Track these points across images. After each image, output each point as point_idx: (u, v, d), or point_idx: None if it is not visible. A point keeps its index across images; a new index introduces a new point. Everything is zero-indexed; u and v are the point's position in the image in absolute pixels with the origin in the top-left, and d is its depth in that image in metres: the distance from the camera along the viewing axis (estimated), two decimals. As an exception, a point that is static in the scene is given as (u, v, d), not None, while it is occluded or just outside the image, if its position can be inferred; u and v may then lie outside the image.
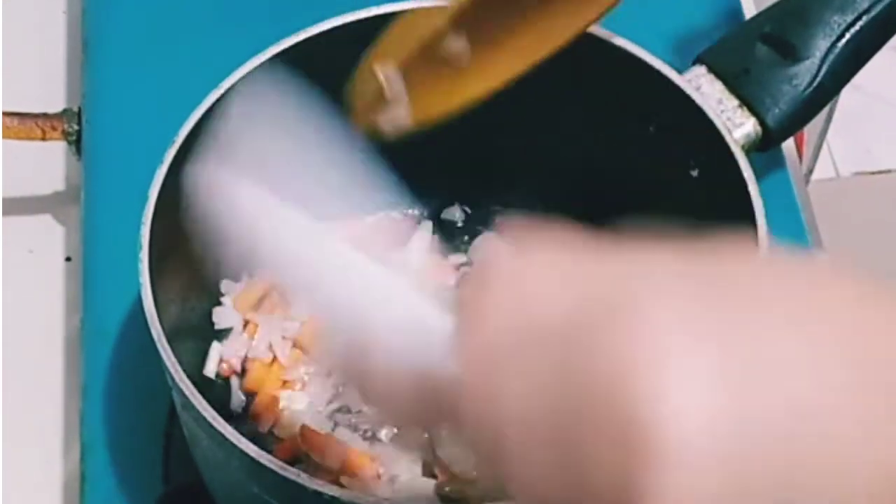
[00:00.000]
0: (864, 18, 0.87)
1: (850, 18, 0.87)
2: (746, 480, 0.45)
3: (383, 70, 0.73)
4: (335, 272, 0.61)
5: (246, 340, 0.89)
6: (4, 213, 1.01)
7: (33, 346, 0.96)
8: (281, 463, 0.70)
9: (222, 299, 0.90)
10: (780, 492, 0.45)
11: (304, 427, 0.85)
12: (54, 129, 0.99)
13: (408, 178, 0.92)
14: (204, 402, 0.72)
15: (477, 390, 0.49)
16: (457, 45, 0.73)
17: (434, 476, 0.83)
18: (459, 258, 0.94)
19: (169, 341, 0.73)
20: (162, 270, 0.76)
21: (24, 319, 0.96)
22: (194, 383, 0.73)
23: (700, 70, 0.86)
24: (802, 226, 0.98)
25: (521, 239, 0.54)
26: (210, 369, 0.88)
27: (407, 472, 0.84)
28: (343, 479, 0.83)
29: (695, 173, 0.84)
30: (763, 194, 0.78)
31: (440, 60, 0.74)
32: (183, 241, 0.81)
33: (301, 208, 0.62)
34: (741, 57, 0.87)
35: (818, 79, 0.87)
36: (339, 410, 0.88)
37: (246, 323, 0.90)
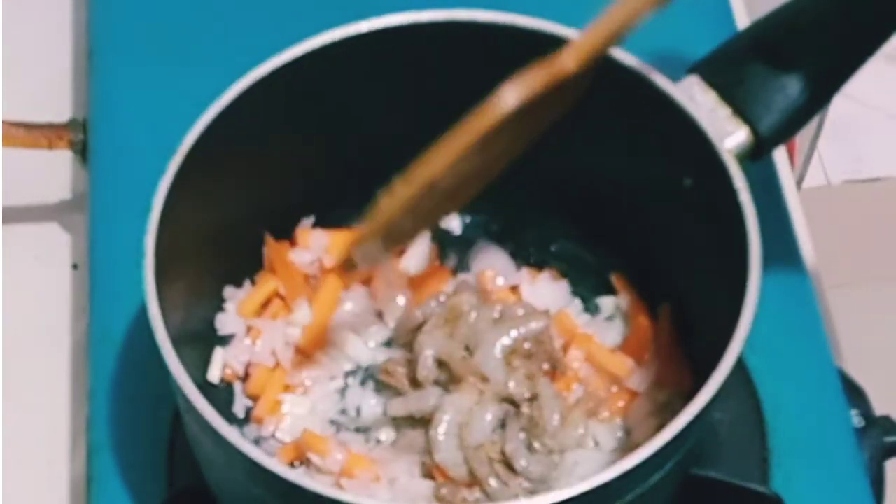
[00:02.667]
0: (855, 28, 0.87)
1: (840, 29, 0.87)
2: None
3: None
4: None
5: (249, 346, 0.90)
6: (11, 222, 1.01)
7: (40, 351, 0.96)
8: (283, 466, 0.71)
9: (225, 305, 0.91)
10: None
11: (305, 431, 0.86)
12: (60, 138, 1.00)
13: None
14: (207, 406, 0.73)
15: None
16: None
17: (432, 478, 0.84)
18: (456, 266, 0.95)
19: (173, 347, 0.74)
20: (166, 277, 0.77)
21: (31, 326, 0.97)
22: (198, 388, 0.73)
23: (693, 80, 0.86)
24: (793, 233, 0.98)
25: None
26: (214, 374, 0.90)
27: (406, 474, 0.85)
28: (343, 482, 0.84)
29: (688, 182, 0.84)
30: (755, 202, 0.79)
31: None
32: (187, 249, 0.82)
33: None
34: (734, 67, 0.87)
35: (809, 88, 0.87)
36: (340, 414, 0.89)
37: (249, 329, 0.91)
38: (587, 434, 0.87)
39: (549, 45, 0.82)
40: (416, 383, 0.87)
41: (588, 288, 0.94)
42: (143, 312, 0.75)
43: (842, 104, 1.06)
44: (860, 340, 1.09)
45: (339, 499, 0.69)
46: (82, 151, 1.00)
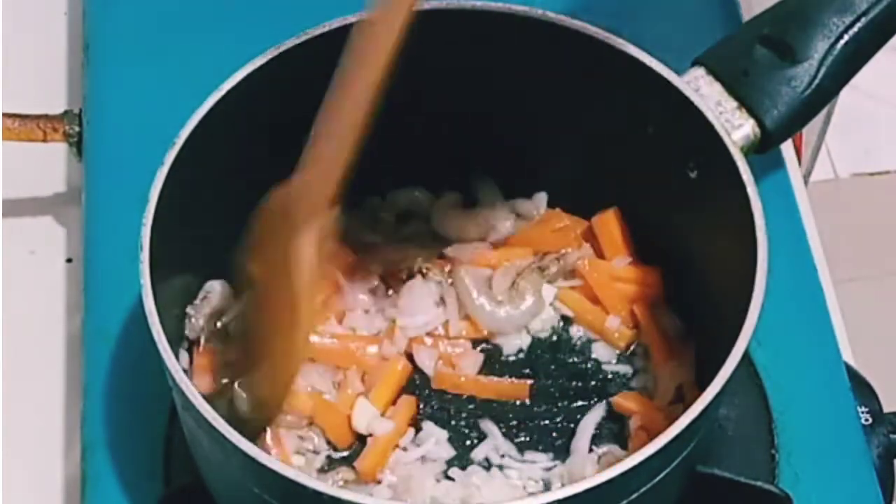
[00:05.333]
0: (863, 20, 0.87)
1: (848, 20, 0.87)
2: None
3: None
4: None
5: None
6: (6, 215, 1.01)
7: (34, 346, 0.96)
8: (281, 463, 0.71)
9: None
10: None
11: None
12: (55, 130, 0.99)
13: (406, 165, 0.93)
14: (204, 403, 0.72)
15: None
16: None
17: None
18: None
19: (169, 342, 0.73)
20: (163, 272, 0.76)
21: (25, 320, 0.96)
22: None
23: (699, 72, 0.86)
24: (801, 227, 0.98)
25: None
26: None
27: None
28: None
29: (693, 174, 0.84)
30: (762, 196, 0.78)
31: None
32: (183, 242, 0.82)
33: None
34: (740, 58, 0.87)
35: (817, 80, 0.86)
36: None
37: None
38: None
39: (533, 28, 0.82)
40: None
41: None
42: (138, 307, 0.75)
43: (850, 97, 1.05)
44: (868, 335, 1.09)
45: (339, 497, 0.69)
46: (78, 144, 1.00)
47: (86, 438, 0.88)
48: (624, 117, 0.85)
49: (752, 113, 0.85)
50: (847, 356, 0.95)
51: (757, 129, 0.85)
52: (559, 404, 0.87)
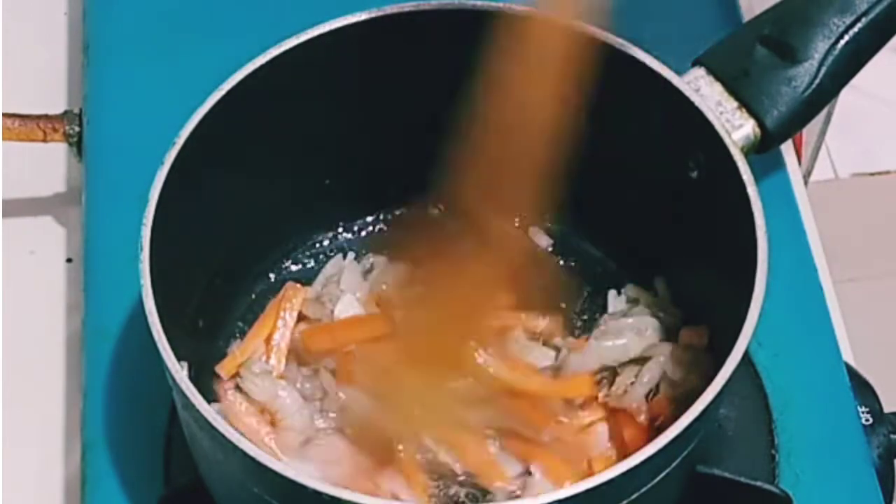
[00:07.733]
0: (863, 20, 0.87)
1: (848, 20, 0.87)
2: None
3: None
4: None
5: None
6: (6, 215, 1.01)
7: (34, 346, 0.96)
8: (281, 463, 0.71)
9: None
10: None
11: None
12: (55, 130, 0.99)
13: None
14: (204, 403, 0.72)
15: None
16: None
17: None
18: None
19: (169, 342, 0.73)
20: (163, 272, 0.76)
21: (25, 320, 0.96)
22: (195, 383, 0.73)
23: (699, 72, 0.86)
24: (801, 227, 0.98)
25: None
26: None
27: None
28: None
29: (694, 175, 0.84)
30: (762, 196, 0.78)
31: None
32: (184, 242, 0.82)
33: None
34: (740, 59, 0.87)
35: (817, 80, 0.86)
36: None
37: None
38: None
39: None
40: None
41: (594, 281, 0.92)
42: (138, 307, 0.75)
43: (850, 97, 1.05)
44: (869, 335, 1.08)
45: (340, 497, 0.69)
46: (78, 144, 1.00)
47: (86, 438, 0.88)
48: (624, 117, 0.85)
49: (753, 113, 0.85)
50: (847, 356, 0.95)
51: (757, 130, 0.85)
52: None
